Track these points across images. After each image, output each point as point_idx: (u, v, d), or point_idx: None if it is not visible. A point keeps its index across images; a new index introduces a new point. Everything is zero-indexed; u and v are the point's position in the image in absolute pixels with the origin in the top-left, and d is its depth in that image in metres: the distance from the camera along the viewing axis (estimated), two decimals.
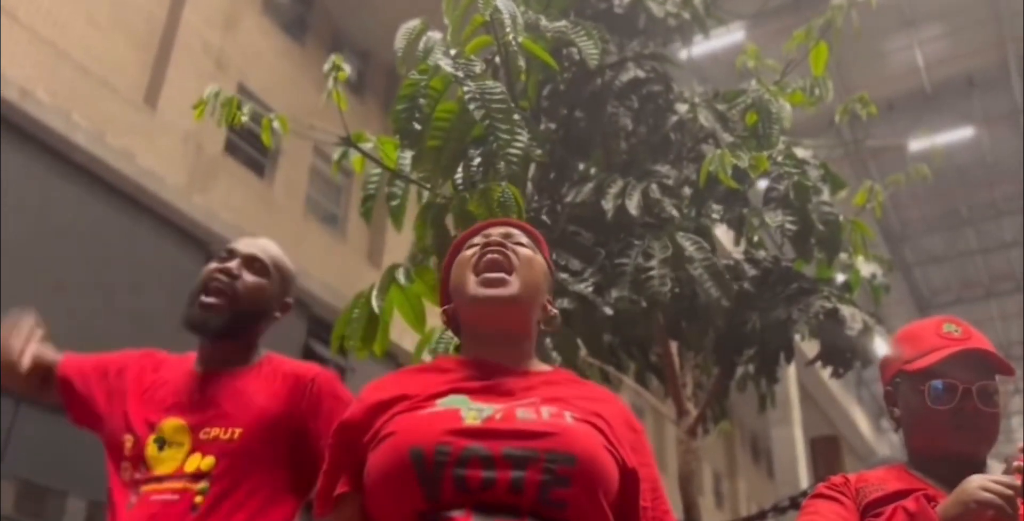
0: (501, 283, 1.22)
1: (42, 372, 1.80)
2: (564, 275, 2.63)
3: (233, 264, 1.71)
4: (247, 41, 11.86)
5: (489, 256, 1.24)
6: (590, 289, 2.57)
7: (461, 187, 2.81)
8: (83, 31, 9.50)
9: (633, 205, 2.75)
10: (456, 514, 1.03)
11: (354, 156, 2.83)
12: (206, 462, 1.57)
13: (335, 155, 2.71)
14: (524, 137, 2.57)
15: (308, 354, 11.01)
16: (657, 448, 19.70)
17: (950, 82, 14.51)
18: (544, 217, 3.22)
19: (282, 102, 11.91)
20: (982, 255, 19.42)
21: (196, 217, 9.87)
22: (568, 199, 2.95)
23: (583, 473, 1.07)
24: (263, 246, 1.79)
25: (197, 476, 1.56)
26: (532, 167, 3.37)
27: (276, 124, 2.42)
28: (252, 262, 1.74)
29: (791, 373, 13.27)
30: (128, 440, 1.63)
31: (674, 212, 2.76)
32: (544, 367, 1.30)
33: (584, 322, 2.79)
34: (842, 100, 3.46)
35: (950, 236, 18.85)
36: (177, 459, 1.58)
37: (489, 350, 1.25)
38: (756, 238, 3.28)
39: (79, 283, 8.30)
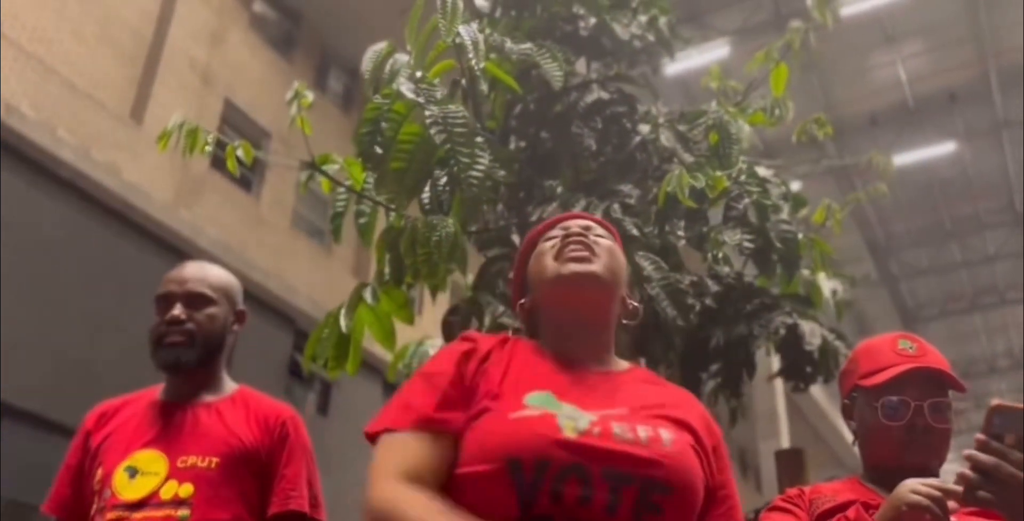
0: (586, 260, 1.22)
1: None
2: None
3: (177, 311, 1.74)
4: (234, 57, 11.93)
5: (572, 244, 1.24)
6: None
7: (428, 207, 2.87)
8: (69, 47, 9.55)
9: None
10: None
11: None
12: (184, 489, 1.61)
13: (302, 177, 2.76)
14: (485, 160, 2.63)
15: (294, 369, 11.03)
16: None
17: (932, 97, 14.67)
18: (513, 236, 3.29)
19: (268, 117, 11.99)
20: (966, 268, 19.55)
21: (182, 232, 9.90)
22: (533, 218, 3.00)
23: (677, 503, 1.09)
24: (196, 275, 1.81)
25: (177, 503, 1.60)
26: (503, 188, 3.45)
27: (240, 152, 2.46)
28: (193, 299, 1.77)
29: (777, 386, 13.29)
30: (98, 473, 1.68)
31: (634, 231, 2.82)
32: (623, 365, 1.29)
33: None
34: (829, 114, 3.53)
35: (935, 250, 18.98)
36: (149, 486, 1.61)
37: (570, 341, 1.23)
38: (720, 254, 3.34)
39: (64, 298, 8.32)
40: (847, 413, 1.63)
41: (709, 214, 3.19)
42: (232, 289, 1.86)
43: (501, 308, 2.69)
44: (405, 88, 2.66)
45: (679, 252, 3.23)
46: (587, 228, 1.29)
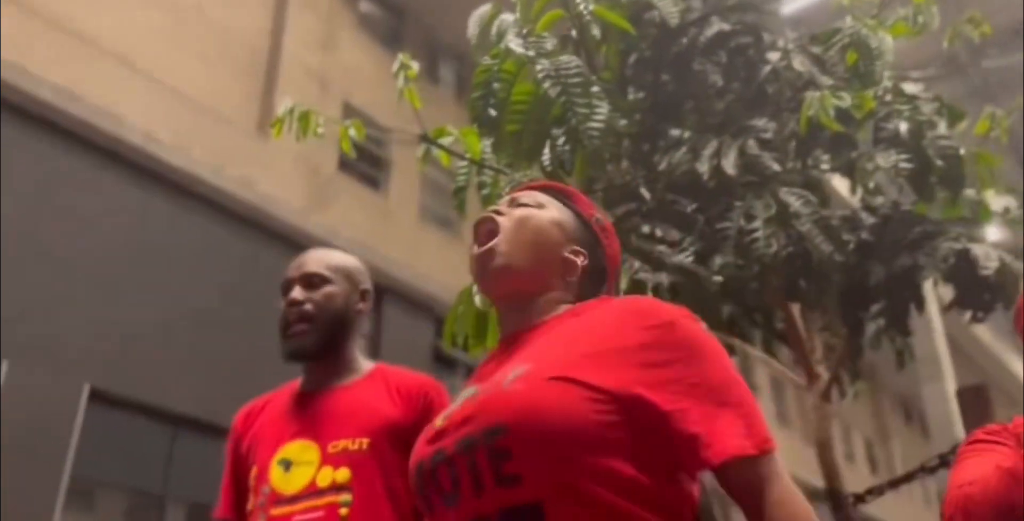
0: (485, 255, 1.19)
1: None
2: (661, 247, 2.53)
3: (295, 293, 1.73)
4: (346, 59, 12.18)
5: (477, 231, 1.23)
6: (690, 259, 2.46)
7: (549, 168, 2.76)
8: (194, 70, 9.98)
9: (729, 164, 2.62)
10: None
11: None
12: (341, 474, 1.58)
13: (418, 153, 2.70)
14: (604, 109, 2.49)
15: (437, 356, 11.25)
16: (798, 417, 19.09)
17: None
18: (643, 190, 3.13)
19: (387, 114, 12.18)
20: None
21: (317, 235, 10.20)
22: (661, 167, 2.84)
23: (521, 438, 0.94)
24: (314, 258, 1.80)
25: (336, 489, 1.57)
26: (626, 141, 3.29)
27: (353, 132, 2.42)
28: (309, 279, 1.75)
29: (937, 325, 12.54)
30: (253, 471, 1.67)
31: (775, 167, 2.62)
32: (559, 312, 1.17)
33: (693, 294, 2.69)
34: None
35: None
36: (306, 476, 1.59)
37: (510, 317, 1.21)
38: (872, 184, 3.08)
39: (208, 309, 8.73)
40: None
41: (856, 140, 2.94)
42: (351, 268, 1.82)
43: (637, 264, 2.55)
44: (514, 44, 2.55)
45: (824, 186, 3.00)
46: (511, 201, 1.25)
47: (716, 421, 0.96)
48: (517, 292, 1.19)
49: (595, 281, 1.24)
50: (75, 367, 7.66)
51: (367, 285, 1.83)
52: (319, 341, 1.70)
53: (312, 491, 1.57)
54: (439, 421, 1.07)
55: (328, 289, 1.74)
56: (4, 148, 7.85)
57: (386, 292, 11.29)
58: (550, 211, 1.24)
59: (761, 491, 0.96)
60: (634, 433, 0.95)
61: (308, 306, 1.71)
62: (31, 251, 7.72)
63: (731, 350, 4.06)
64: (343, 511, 1.55)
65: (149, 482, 8.12)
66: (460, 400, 1.08)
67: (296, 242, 9.98)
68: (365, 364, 1.78)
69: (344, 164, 11.56)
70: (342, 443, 1.61)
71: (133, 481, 8.08)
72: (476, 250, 1.20)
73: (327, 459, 1.60)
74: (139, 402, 8.07)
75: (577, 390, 0.96)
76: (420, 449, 1.07)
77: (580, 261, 1.21)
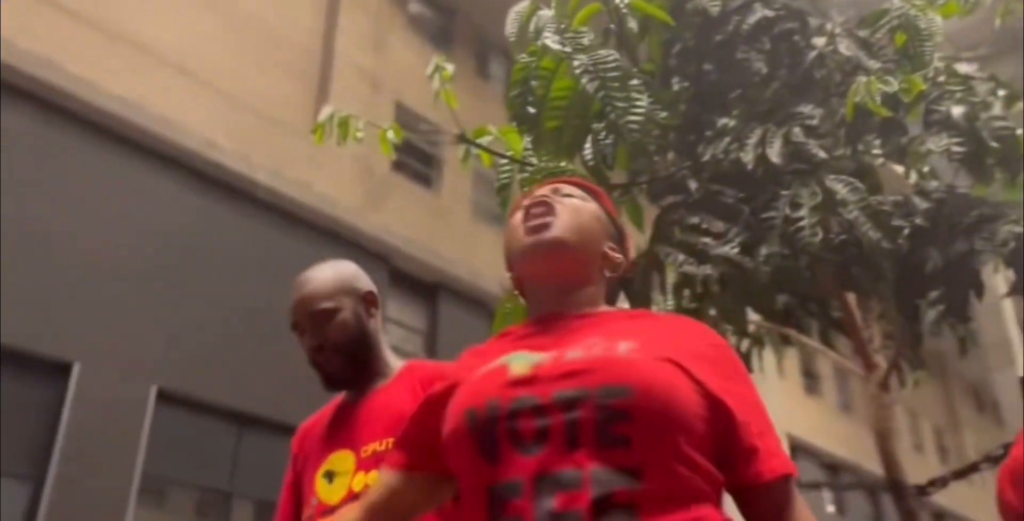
0: (543, 228, 1.18)
1: None
2: (706, 239, 2.50)
3: (310, 340, 1.72)
4: (397, 60, 12.28)
5: (532, 212, 1.21)
6: (736, 250, 2.43)
7: (591, 163, 2.75)
8: (250, 76, 10.17)
9: (774, 153, 2.57)
10: (515, 498, 0.97)
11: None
12: (371, 477, 1.59)
13: (459, 154, 2.71)
14: (644, 102, 2.47)
15: None
16: (859, 406, 18.67)
17: None
18: (690, 181, 3.10)
19: (438, 113, 12.26)
20: None
21: (373, 233, 10.32)
22: (705, 158, 2.80)
23: (643, 404, 0.97)
24: (309, 293, 1.75)
25: None
26: (672, 132, 3.26)
27: (391, 134, 2.44)
28: (318, 317, 1.72)
29: (1007, 310, 12.13)
30: (305, 486, 1.71)
31: (821, 154, 2.56)
32: (612, 309, 1.23)
33: (742, 285, 2.65)
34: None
35: None
36: (345, 485, 1.61)
37: (548, 303, 1.21)
38: (927, 168, 3.00)
39: (269, 310, 8.89)
40: None
41: (907, 124, 2.86)
42: (346, 280, 1.79)
43: (681, 257, 2.52)
44: (550, 41, 2.54)
45: (877, 172, 2.92)
46: (554, 190, 1.26)
47: (769, 440, 1.06)
48: (566, 273, 1.19)
49: (614, 284, 1.26)
50: (143, 369, 7.89)
51: (367, 286, 1.82)
52: (350, 366, 1.72)
53: (350, 498, 1.58)
54: (517, 368, 1.06)
55: (337, 319, 1.72)
56: (72, 157, 8.11)
57: (441, 288, 11.37)
58: (592, 205, 1.26)
59: (791, 510, 1.04)
60: (712, 431, 1.02)
61: (330, 345, 1.72)
62: (99, 259, 7.97)
63: (787, 341, 4.00)
64: None
65: (216, 479, 8.34)
66: (522, 360, 1.08)
67: (352, 241, 10.12)
68: (395, 364, 1.79)
69: (398, 164, 11.67)
70: (372, 446, 1.62)
71: (201, 479, 8.30)
72: (530, 223, 1.20)
73: (360, 464, 1.62)
74: (205, 402, 8.29)
75: (685, 378, 1.02)
76: (484, 390, 1.06)
77: (620, 259, 1.25)
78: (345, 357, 1.72)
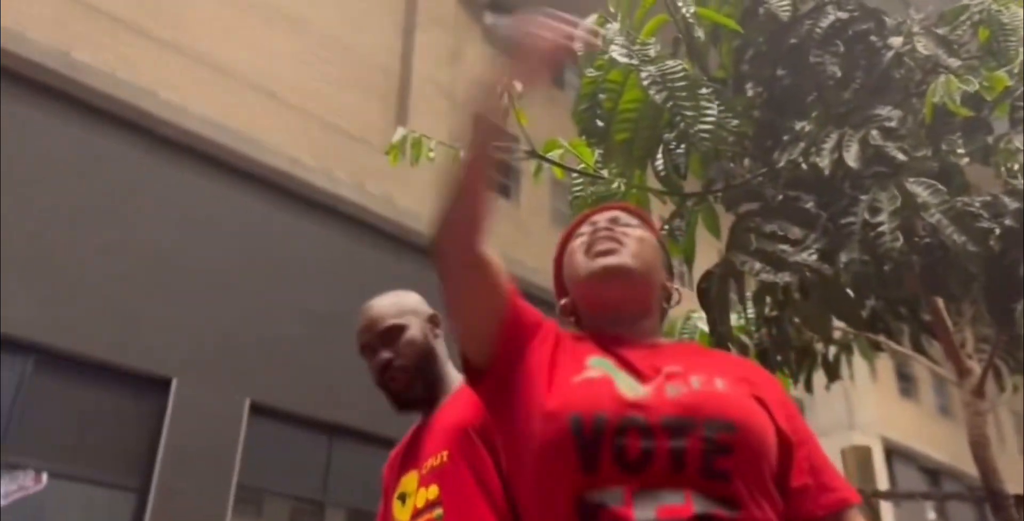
0: (612, 253, 1.21)
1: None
2: (784, 246, 2.47)
3: (382, 355, 1.79)
4: (474, 72, 12.42)
5: (599, 239, 1.24)
6: (814, 257, 2.39)
7: (663, 173, 2.74)
8: (331, 95, 10.44)
9: (851, 157, 2.52)
10: (614, 505, 0.99)
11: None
12: (431, 492, 1.63)
13: (531, 169, 2.75)
14: (714, 110, 2.46)
15: None
16: (958, 409, 17.89)
17: None
18: (766, 188, 3.05)
19: (513, 125, 12.35)
20: None
21: None
22: (780, 165, 2.76)
23: (744, 440, 1.02)
24: (376, 314, 1.84)
25: (430, 506, 1.62)
26: (746, 139, 3.22)
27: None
28: (387, 335, 1.80)
29: None
30: (385, 514, 1.77)
31: (901, 156, 2.50)
32: (669, 341, 1.28)
33: (824, 292, 2.61)
34: None
35: None
36: (412, 503, 1.66)
37: (607, 329, 1.23)
38: (1016, 166, 2.88)
39: (351, 322, 9.06)
40: None
41: (993, 122, 2.76)
42: (410, 304, 1.89)
43: (758, 266, 2.49)
44: (617, 54, 2.55)
45: (963, 172, 2.83)
46: (614, 220, 1.28)
47: (824, 475, 1.12)
48: (632, 301, 1.22)
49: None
50: (236, 383, 8.16)
51: (430, 310, 1.89)
52: (421, 386, 1.77)
53: (416, 515, 1.63)
54: (626, 390, 1.08)
55: (407, 336, 1.79)
56: (168, 179, 8.47)
57: (526, 298, 11.42)
58: (652, 235, 1.30)
59: None
60: (782, 468, 1.08)
61: (400, 361, 1.77)
62: (193, 278, 8.29)
63: (878, 347, 3.89)
64: None
65: (309, 489, 8.55)
66: (626, 382, 1.10)
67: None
68: (456, 380, 1.81)
69: None
70: (429, 462, 1.66)
71: (295, 489, 8.52)
72: (599, 248, 1.22)
73: (422, 481, 1.66)
74: (296, 414, 8.51)
75: (768, 417, 1.09)
76: (590, 401, 1.08)
77: (674, 291, 1.29)
78: (412, 375, 1.77)
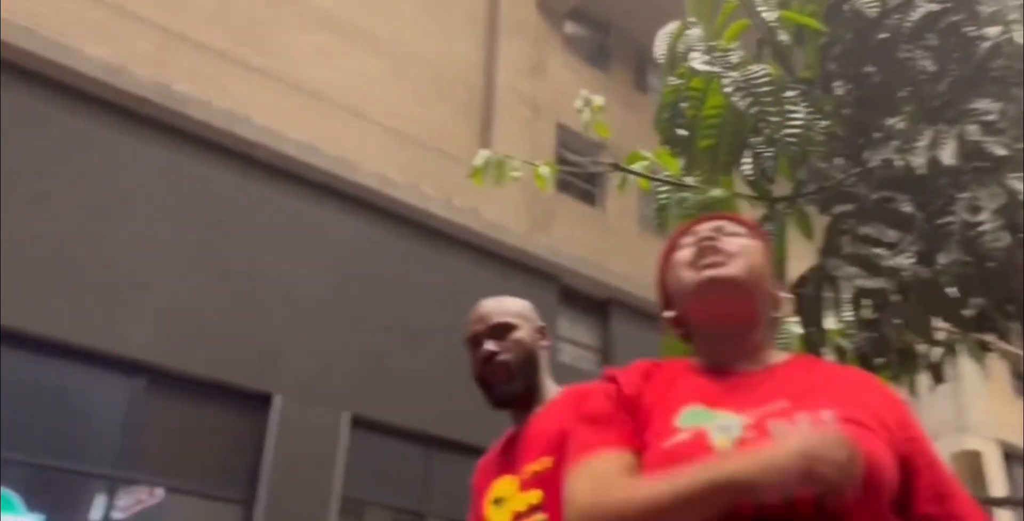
0: (719, 265, 1.18)
1: None
2: (879, 250, 2.40)
3: (489, 346, 1.82)
4: (556, 81, 12.47)
5: (704, 250, 1.21)
6: (911, 260, 2.31)
7: (752, 177, 2.70)
8: (416, 111, 10.64)
9: (947, 154, 2.44)
10: None
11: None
12: (533, 496, 1.65)
13: (616, 181, 2.75)
14: (800, 113, 2.42)
15: None
16: None
17: None
18: (860, 189, 2.98)
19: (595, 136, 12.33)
20: None
21: (542, 255, 10.48)
22: (871, 164, 2.69)
23: (861, 482, 0.96)
24: (494, 309, 1.88)
25: (532, 510, 1.65)
26: (836, 138, 3.14)
27: (544, 170, 2.52)
28: (497, 330, 1.83)
29: None
30: (475, 518, 1.80)
31: (1001, 151, 2.41)
32: (782, 356, 1.22)
33: (924, 294, 2.52)
34: None
35: None
36: (511, 507, 1.69)
37: (720, 346, 1.19)
38: None
39: (449, 335, 9.18)
40: None
41: None
42: (527, 310, 1.92)
43: (853, 271, 2.43)
44: (698, 62, 2.54)
45: None
46: (718, 229, 1.24)
47: (952, 503, 1.07)
48: (741, 314, 1.18)
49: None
50: (336, 398, 8.38)
51: (540, 321, 1.92)
52: (521, 385, 1.80)
53: (516, 518, 1.65)
54: (721, 442, 1.02)
55: (516, 335, 1.83)
56: (257, 200, 8.78)
57: (612, 304, 11.37)
58: (758, 243, 1.25)
59: None
60: (903, 495, 1.05)
61: (505, 356, 1.80)
62: (291, 296, 8.56)
63: (985, 348, 3.73)
64: None
65: (409, 500, 8.69)
66: (721, 431, 1.04)
67: (522, 263, 10.33)
68: (553, 390, 1.85)
69: (563, 184, 11.81)
70: (530, 467, 1.68)
71: (395, 500, 8.68)
72: (706, 260, 1.18)
73: (522, 486, 1.68)
74: (394, 426, 8.67)
75: (886, 446, 1.03)
76: (687, 465, 1.01)
77: (783, 299, 1.26)
78: (513, 372, 1.80)
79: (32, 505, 6.46)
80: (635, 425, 1.13)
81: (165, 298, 7.87)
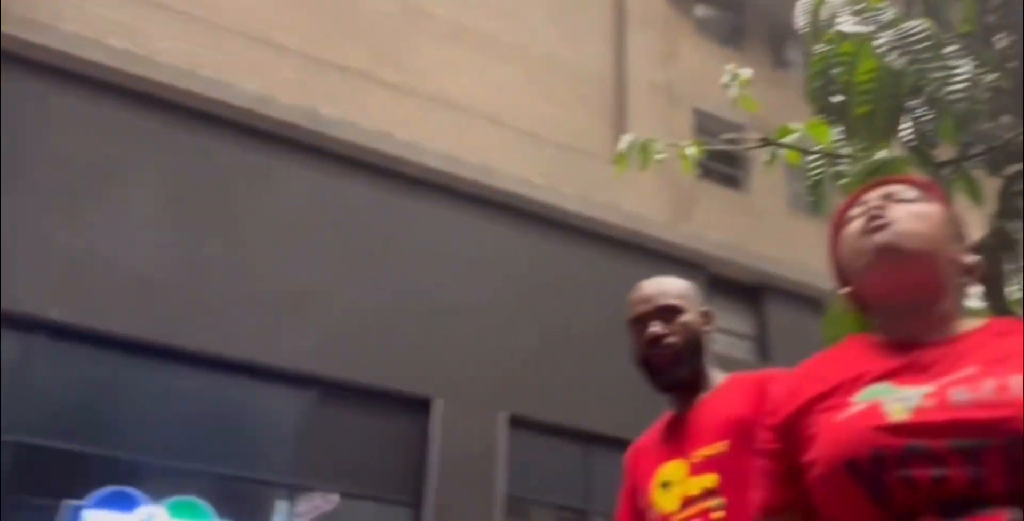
0: (889, 234, 1.11)
1: None
2: None
3: (655, 328, 1.77)
4: (689, 66, 12.23)
5: (869, 221, 1.14)
6: None
7: (914, 142, 2.55)
8: (550, 112, 10.69)
9: None
10: (920, 517, 0.92)
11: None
12: (709, 480, 1.62)
13: (764, 158, 2.66)
14: (966, 68, 2.25)
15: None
16: None
17: None
18: None
19: (737, 112, 11.99)
20: None
21: (686, 243, 10.30)
22: None
23: None
24: (662, 289, 1.83)
25: (707, 494, 1.61)
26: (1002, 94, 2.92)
27: (691, 150, 2.46)
28: (664, 311, 1.78)
29: None
30: (641, 501, 1.76)
31: None
32: (973, 324, 1.12)
33: None
34: None
35: None
36: (681, 490, 1.66)
37: (900, 320, 1.11)
38: None
39: (597, 331, 9.13)
40: None
41: None
42: (693, 293, 1.87)
43: None
44: (846, 26, 2.42)
45: None
46: (888, 196, 1.16)
47: None
48: (920, 284, 1.11)
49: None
50: (493, 399, 8.52)
51: (705, 306, 1.86)
52: (688, 369, 1.76)
53: (687, 502, 1.62)
54: (895, 413, 0.99)
55: (683, 318, 1.78)
56: (405, 213, 9.05)
57: (765, 290, 11.02)
58: (934, 206, 1.18)
59: None
60: None
61: (672, 338, 1.76)
62: (445, 302, 8.78)
63: None
64: (716, 515, 1.57)
65: (571, 498, 8.73)
66: (897, 401, 1.01)
67: (666, 254, 10.17)
68: (719, 377, 1.80)
69: (703, 169, 11.56)
70: (702, 451, 1.64)
71: (558, 498, 8.73)
72: (873, 225, 1.13)
73: (693, 470, 1.64)
74: (553, 425, 8.73)
75: None
76: (861, 439, 0.99)
77: (973, 261, 1.18)
78: (679, 355, 1.76)
79: (221, 512, 6.89)
80: (791, 450, 1.12)
81: (329, 312, 8.24)
